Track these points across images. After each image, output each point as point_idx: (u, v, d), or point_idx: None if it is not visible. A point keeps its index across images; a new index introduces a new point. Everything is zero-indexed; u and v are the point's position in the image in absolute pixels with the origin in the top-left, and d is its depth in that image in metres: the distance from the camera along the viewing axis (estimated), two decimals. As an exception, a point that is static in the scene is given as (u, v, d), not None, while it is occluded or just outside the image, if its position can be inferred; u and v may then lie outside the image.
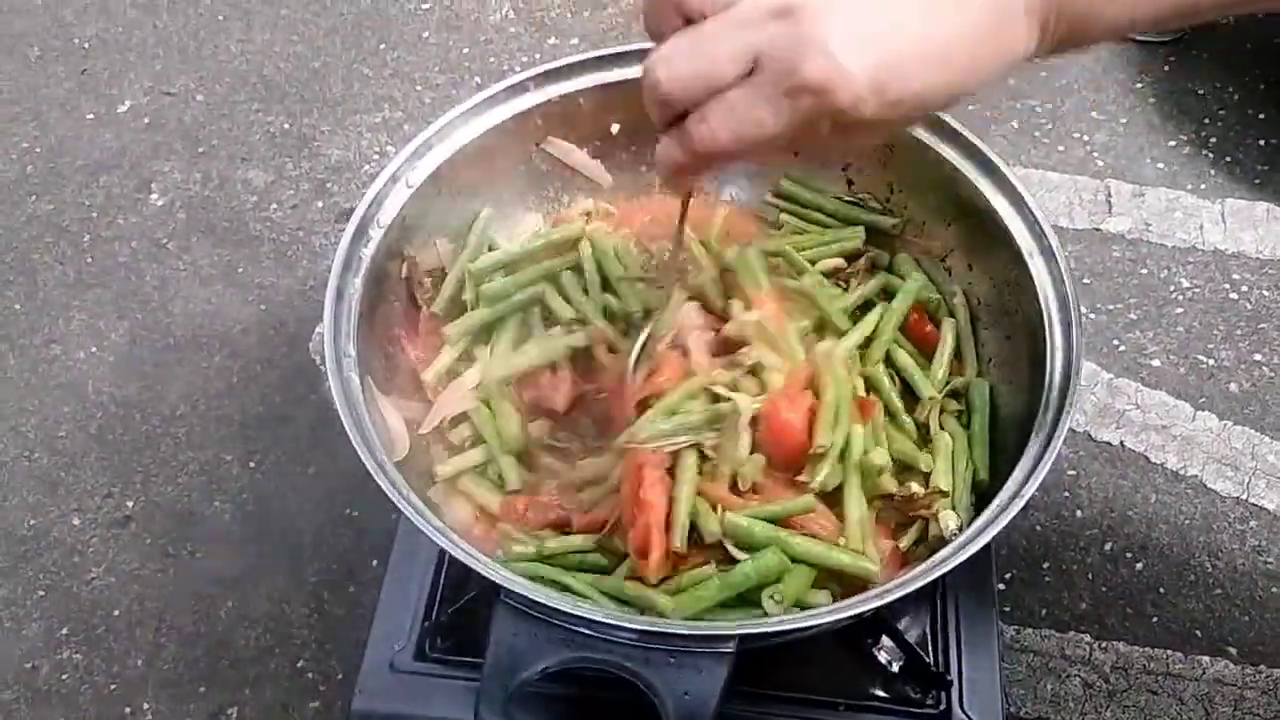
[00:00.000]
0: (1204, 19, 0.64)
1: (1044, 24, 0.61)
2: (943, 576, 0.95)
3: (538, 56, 1.70)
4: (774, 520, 0.82)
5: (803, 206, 1.07)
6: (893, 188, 1.04)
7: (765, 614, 0.81)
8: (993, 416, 0.91)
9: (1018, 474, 0.78)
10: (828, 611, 0.72)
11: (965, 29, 0.60)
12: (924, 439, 0.91)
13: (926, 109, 0.61)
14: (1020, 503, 0.75)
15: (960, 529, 0.83)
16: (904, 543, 0.85)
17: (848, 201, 1.06)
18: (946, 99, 0.61)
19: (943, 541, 0.81)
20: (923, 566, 0.74)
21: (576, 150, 1.09)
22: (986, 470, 0.88)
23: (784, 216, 1.08)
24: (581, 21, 1.76)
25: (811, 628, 0.73)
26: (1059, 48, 0.63)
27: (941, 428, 0.90)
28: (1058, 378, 0.82)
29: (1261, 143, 1.59)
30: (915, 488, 0.86)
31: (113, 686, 1.18)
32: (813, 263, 1.00)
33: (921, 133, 0.98)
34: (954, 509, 0.85)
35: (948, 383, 0.94)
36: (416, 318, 1.00)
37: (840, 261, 1.01)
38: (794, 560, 0.81)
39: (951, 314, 0.98)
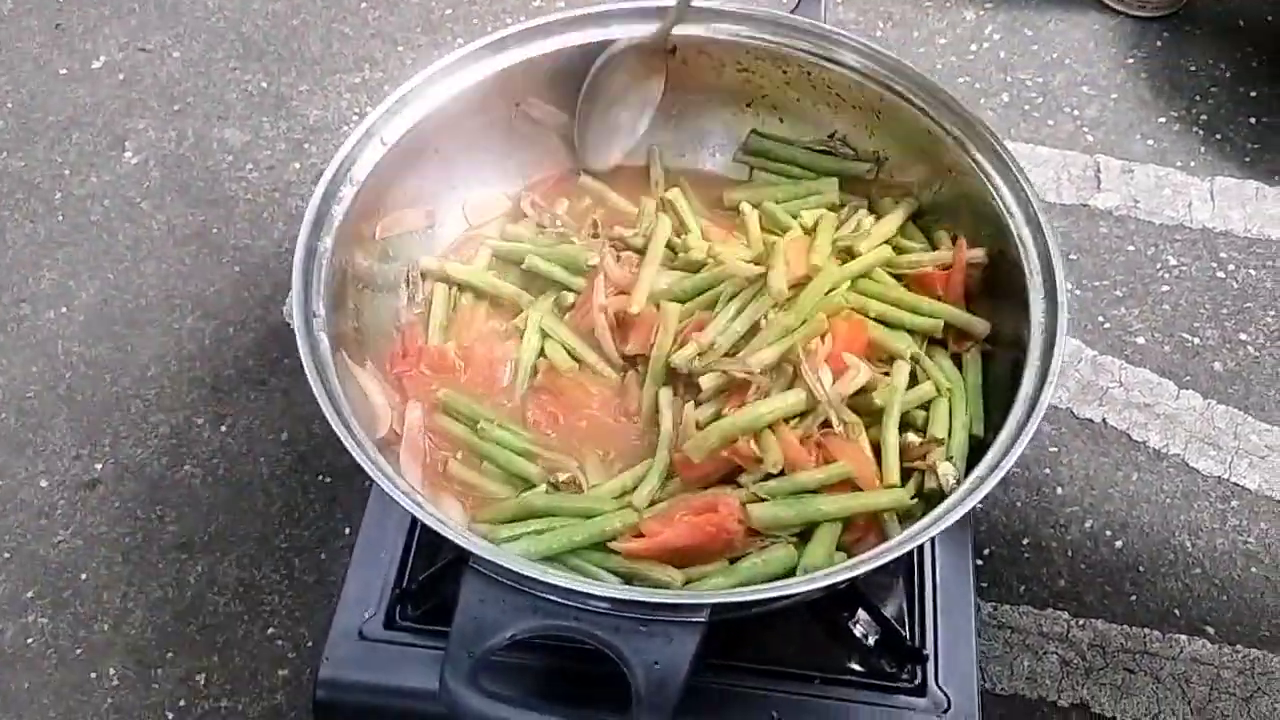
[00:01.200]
0: None
1: None
2: (919, 550, 0.95)
3: (522, 18, 1.66)
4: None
5: (774, 160, 1.05)
6: (879, 156, 1.02)
7: (753, 570, 0.80)
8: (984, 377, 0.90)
9: (997, 447, 0.77)
10: (800, 582, 0.71)
11: None
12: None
13: None
14: (999, 475, 0.74)
15: (958, 480, 0.82)
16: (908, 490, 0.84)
17: (819, 150, 1.04)
18: None
19: (941, 495, 0.80)
20: (896, 539, 0.73)
21: (558, 112, 1.06)
22: (981, 426, 0.87)
23: (757, 172, 1.06)
24: (568, -16, 1.73)
25: (784, 598, 0.71)
26: None
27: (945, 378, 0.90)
28: (1040, 348, 0.81)
29: (1252, 121, 1.57)
30: (911, 437, 0.85)
31: (79, 651, 1.16)
32: (794, 216, 1.00)
33: (912, 99, 0.96)
34: (951, 459, 0.84)
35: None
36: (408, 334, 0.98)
37: (824, 212, 0.99)
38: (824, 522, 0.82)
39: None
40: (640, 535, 0.81)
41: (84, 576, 1.21)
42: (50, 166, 1.53)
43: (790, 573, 0.78)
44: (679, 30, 1.01)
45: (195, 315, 1.39)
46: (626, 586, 0.77)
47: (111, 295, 1.41)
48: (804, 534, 0.82)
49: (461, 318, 0.98)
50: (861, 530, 0.83)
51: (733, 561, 0.80)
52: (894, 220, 0.97)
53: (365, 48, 1.66)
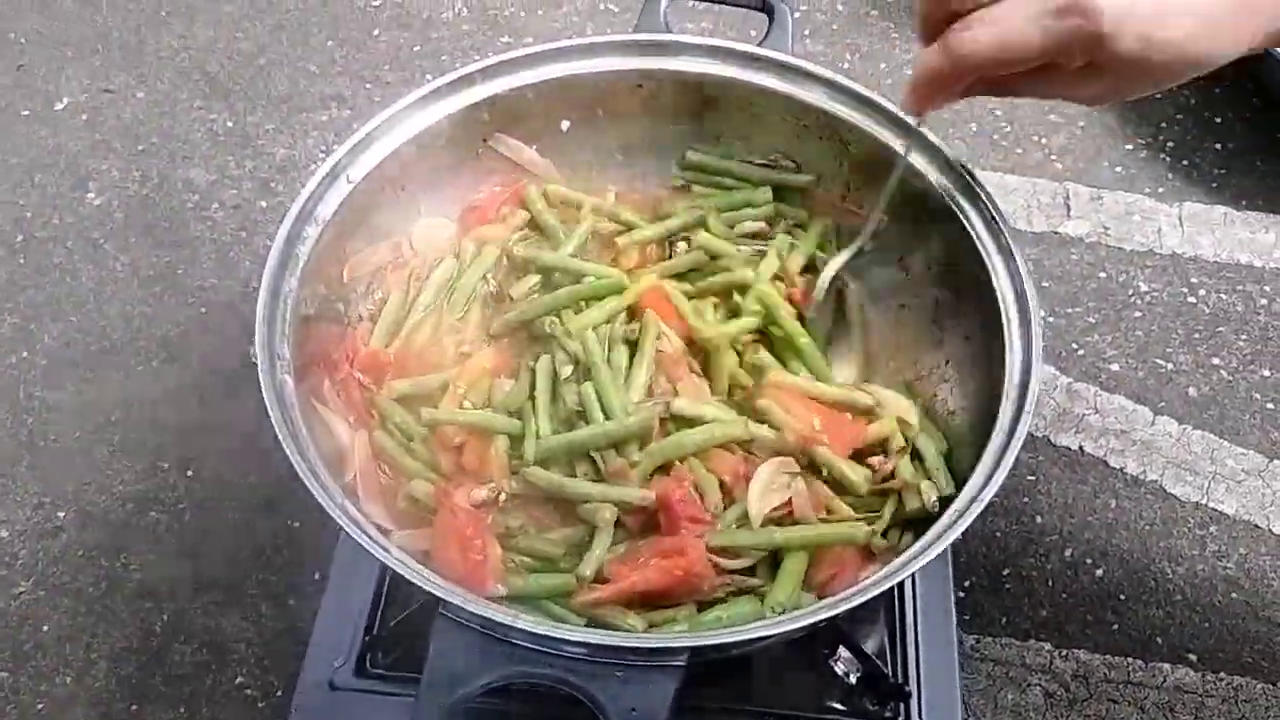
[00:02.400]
0: None
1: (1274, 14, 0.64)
2: (900, 585, 0.94)
3: (489, 54, 1.66)
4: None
5: (711, 174, 1.05)
6: (850, 186, 1.02)
7: (719, 624, 0.78)
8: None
9: (976, 477, 0.75)
10: (780, 622, 0.70)
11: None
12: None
13: (1171, 67, 0.64)
14: (979, 507, 0.73)
15: (940, 496, 0.82)
16: (879, 524, 0.83)
17: (758, 164, 1.04)
18: (1193, 60, 0.64)
19: (924, 515, 0.79)
20: (878, 575, 0.71)
21: (526, 148, 1.06)
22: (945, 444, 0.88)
23: (695, 187, 1.06)
24: (536, 20, 1.73)
25: (764, 638, 0.70)
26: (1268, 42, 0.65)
27: None
28: (1016, 377, 0.80)
29: (1218, 146, 1.59)
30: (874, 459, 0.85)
31: (40, 705, 1.13)
32: (731, 227, 1.01)
33: (881, 131, 0.96)
34: (929, 478, 0.83)
35: None
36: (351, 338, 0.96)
37: (762, 225, 1.00)
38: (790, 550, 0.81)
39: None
40: (603, 580, 0.79)
41: (45, 628, 1.17)
42: (12, 209, 1.51)
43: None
44: (646, 64, 1.01)
45: (160, 358, 1.36)
46: (604, 631, 0.75)
47: (74, 338, 1.38)
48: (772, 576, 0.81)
49: (411, 325, 0.97)
50: (833, 567, 0.82)
51: (700, 610, 0.79)
52: (802, 250, 0.99)
53: (332, 85, 1.65)
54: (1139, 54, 0.62)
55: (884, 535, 0.84)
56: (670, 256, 1.00)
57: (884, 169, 0.96)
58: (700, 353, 0.93)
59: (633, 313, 0.95)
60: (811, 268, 0.98)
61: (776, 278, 0.97)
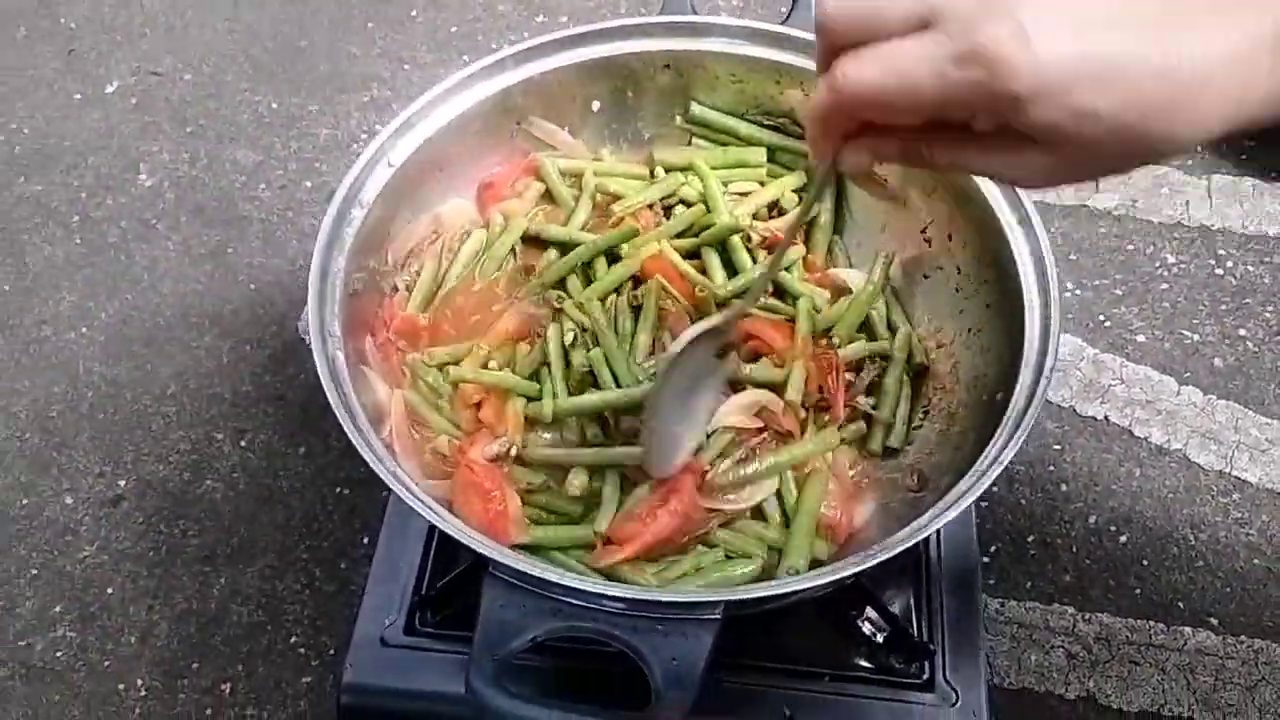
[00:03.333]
0: None
1: None
2: (926, 547, 0.98)
3: (526, 35, 1.70)
4: None
5: (714, 129, 1.08)
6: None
7: (750, 580, 0.83)
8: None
9: (998, 439, 0.79)
10: (810, 577, 0.74)
11: (1217, 44, 0.46)
12: None
13: (1129, 148, 0.48)
14: (999, 468, 0.76)
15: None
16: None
17: (766, 125, 1.07)
18: (1161, 140, 0.48)
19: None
20: (902, 533, 0.75)
21: (558, 130, 1.09)
22: None
23: (697, 140, 1.09)
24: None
25: (795, 593, 0.74)
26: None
27: None
28: (1037, 341, 0.83)
29: (1247, 119, 1.59)
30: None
31: (106, 664, 1.19)
32: (726, 184, 1.06)
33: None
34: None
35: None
36: (388, 305, 1.01)
37: (755, 186, 1.04)
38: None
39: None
40: (609, 541, 0.85)
41: (110, 591, 1.23)
42: (67, 190, 1.56)
43: (763, 577, 0.85)
44: (674, 45, 1.04)
45: (213, 333, 1.42)
46: (645, 587, 0.79)
47: (130, 315, 1.44)
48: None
49: (444, 294, 1.03)
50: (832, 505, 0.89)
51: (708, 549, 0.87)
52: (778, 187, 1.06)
53: (373, 67, 1.69)
54: (1072, 128, 0.48)
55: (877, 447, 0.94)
56: (668, 219, 1.05)
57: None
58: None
59: (638, 281, 0.99)
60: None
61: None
